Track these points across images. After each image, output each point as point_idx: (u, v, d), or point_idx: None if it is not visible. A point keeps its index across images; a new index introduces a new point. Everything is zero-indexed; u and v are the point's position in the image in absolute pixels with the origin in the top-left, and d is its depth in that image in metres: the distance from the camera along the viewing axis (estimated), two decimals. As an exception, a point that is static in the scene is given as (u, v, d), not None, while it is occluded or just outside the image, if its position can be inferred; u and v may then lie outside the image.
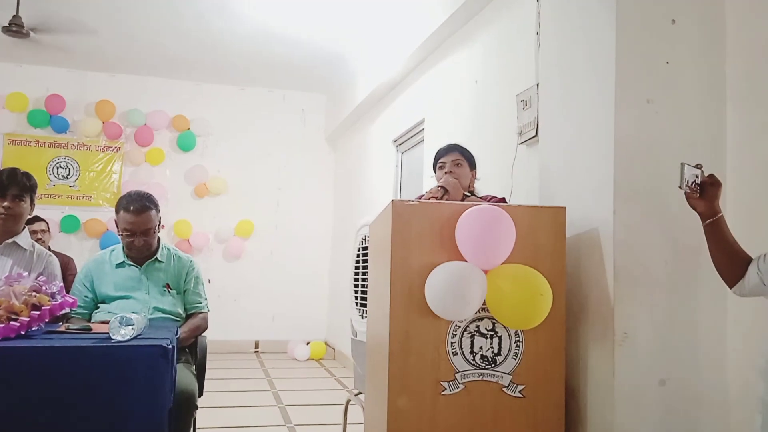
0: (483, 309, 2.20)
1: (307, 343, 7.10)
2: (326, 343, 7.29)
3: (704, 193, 1.87)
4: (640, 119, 2.29)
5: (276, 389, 5.41)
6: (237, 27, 5.53)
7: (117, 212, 2.84)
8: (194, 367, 2.85)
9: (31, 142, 6.89)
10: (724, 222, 1.86)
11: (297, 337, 7.21)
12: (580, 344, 2.34)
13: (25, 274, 2.23)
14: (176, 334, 2.37)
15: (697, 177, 1.87)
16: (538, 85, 3.00)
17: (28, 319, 1.96)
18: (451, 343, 2.21)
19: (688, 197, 1.89)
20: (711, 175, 1.89)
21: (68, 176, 6.98)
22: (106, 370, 1.86)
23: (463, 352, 2.21)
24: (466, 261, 2.15)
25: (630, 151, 2.27)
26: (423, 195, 2.67)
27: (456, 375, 2.20)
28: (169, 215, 6.94)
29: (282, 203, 7.51)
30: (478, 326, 2.22)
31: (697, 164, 1.89)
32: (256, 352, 7.35)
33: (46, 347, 1.86)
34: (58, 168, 6.95)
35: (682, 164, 1.87)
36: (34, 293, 2.04)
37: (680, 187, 1.87)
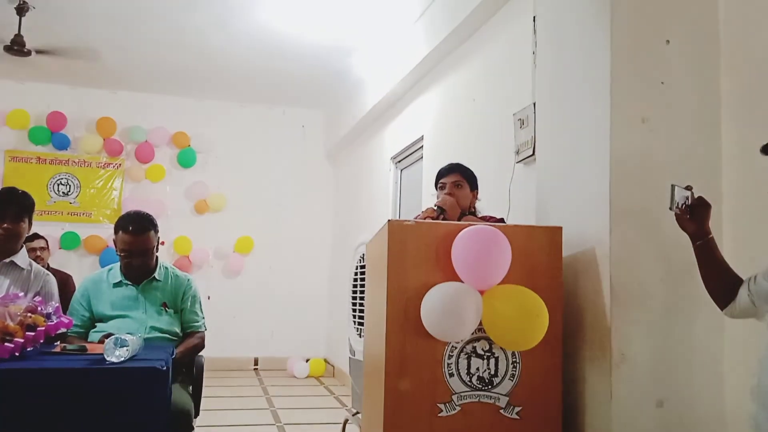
0: (479, 330, 2.19)
1: (307, 361, 7.07)
2: (326, 361, 7.26)
3: (694, 214, 1.87)
4: (635, 138, 2.30)
5: (275, 407, 5.38)
6: (237, 44, 5.57)
7: (116, 232, 2.83)
8: (190, 386, 2.83)
9: (32, 159, 6.91)
10: (714, 243, 1.87)
11: (296, 354, 7.18)
12: (578, 365, 2.33)
13: (21, 294, 2.23)
14: (172, 354, 2.36)
15: (687, 198, 1.87)
16: (534, 104, 3.01)
17: (22, 341, 1.95)
18: (448, 364, 2.20)
19: (678, 219, 1.90)
20: (700, 197, 1.89)
21: (69, 193, 6.99)
22: (101, 392, 1.85)
23: (459, 373, 2.20)
24: (462, 281, 2.15)
25: (626, 170, 2.27)
26: (419, 214, 2.67)
27: (452, 396, 2.19)
28: (169, 232, 6.95)
29: (282, 219, 7.51)
30: (474, 347, 2.22)
31: (687, 186, 1.90)
32: (255, 369, 7.31)
33: (40, 369, 1.86)
34: (58, 185, 6.97)
35: (672, 186, 1.88)
36: (29, 314, 2.04)
37: (670, 209, 1.88)
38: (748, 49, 2.29)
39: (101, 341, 2.43)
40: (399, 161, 5.60)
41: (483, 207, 3.22)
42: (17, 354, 1.94)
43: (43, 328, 2.04)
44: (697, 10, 2.36)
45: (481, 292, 2.15)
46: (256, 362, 7.38)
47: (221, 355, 6.66)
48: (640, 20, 2.34)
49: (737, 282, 1.82)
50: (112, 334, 2.47)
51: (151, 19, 5.12)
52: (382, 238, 2.32)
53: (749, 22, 2.29)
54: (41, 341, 2.05)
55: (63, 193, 6.98)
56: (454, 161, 3.02)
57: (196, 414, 2.77)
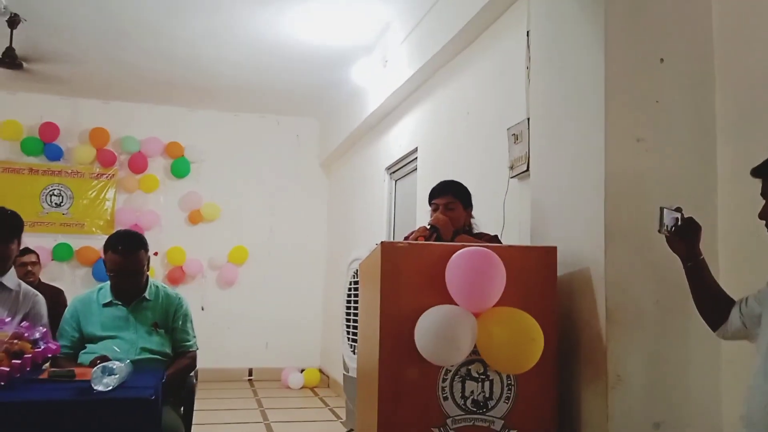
0: (474, 352, 2.16)
1: (301, 371, 7.03)
2: (320, 371, 7.22)
3: (685, 235, 1.86)
4: (630, 158, 2.28)
5: (269, 420, 5.34)
6: (230, 54, 5.55)
7: (105, 252, 2.79)
8: (182, 407, 2.79)
9: (24, 170, 6.87)
10: (705, 265, 1.86)
11: (291, 365, 7.13)
12: (573, 387, 2.30)
13: (8, 319, 2.19)
14: (162, 378, 2.33)
15: (677, 220, 1.86)
16: (528, 119, 2.99)
17: (8, 369, 1.91)
18: (442, 387, 2.17)
19: (669, 241, 1.89)
20: (690, 218, 1.87)
21: (61, 204, 6.94)
22: (89, 424, 1.81)
23: (454, 396, 2.17)
24: (456, 304, 2.12)
25: (621, 190, 2.25)
26: (411, 233, 2.64)
27: (447, 420, 2.16)
28: (163, 242, 6.91)
29: (276, 229, 7.48)
30: (469, 370, 2.19)
31: (677, 207, 1.88)
32: (249, 380, 7.26)
33: (26, 402, 1.81)
34: (51, 196, 6.92)
35: (661, 208, 1.86)
36: (15, 341, 2.00)
37: (659, 231, 1.87)
38: (742, 68, 2.28)
39: (93, 363, 2.39)
40: (393, 172, 5.58)
41: (478, 221, 3.19)
42: (3, 383, 1.90)
43: (30, 355, 2.00)
44: (691, 29, 2.35)
45: (476, 315, 2.13)
46: (250, 373, 7.33)
47: (215, 366, 6.62)
48: (635, 38, 2.32)
49: (729, 303, 1.82)
50: (104, 357, 2.45)
51: (143, 30, 5.09)
52: (375, 259, 2.30)
53: (743, 41, 2.28)
54: (28, 369, 2.01)
55: (55, 204, 6.93)
56: (448, 178, 2.99)
57: (188, 435, 2.74)
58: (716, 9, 2.34)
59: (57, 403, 1.83)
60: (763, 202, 1.68)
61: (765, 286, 1.77)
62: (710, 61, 2.34)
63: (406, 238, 2.65)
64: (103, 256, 2.84)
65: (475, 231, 2.83)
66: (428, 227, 2.55)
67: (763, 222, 1.69)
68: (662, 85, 2.32)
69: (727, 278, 2.18)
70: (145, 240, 2.85)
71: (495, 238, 2.74)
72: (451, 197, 2.72)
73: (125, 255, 2.73)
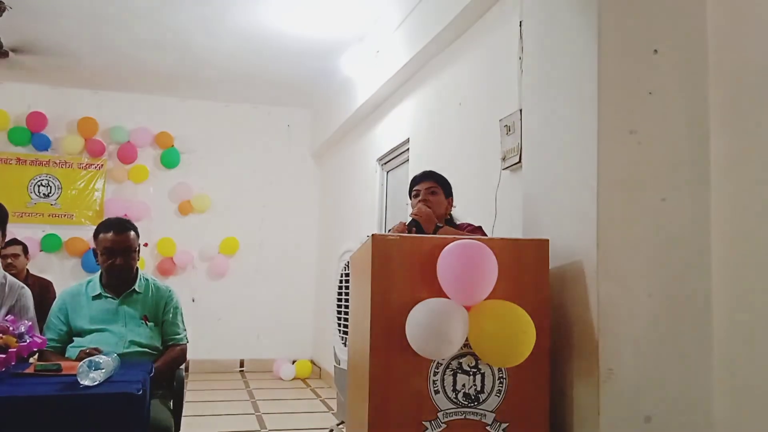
0: (465, 345, 2.15)
1: (293, 362, 7.02)
2: (312, 362, 7.21)
3: None
4: (623, 150, 2.26)
5: (260, 412, 5.32)
6: (221, 43, 5.49)
7: (96, 237, 2.79)
8: (171, 401, 2.77)
9: (11, 160, 6.79)
10: None
11: (282, 356, 7.12)
12: (565, 380, 2.29)
13: (-7, 313, 2.15)
14: (150, 371, 2.30)
15: None
16: (521, 110, 2.96)
17: (-8, 364, 1.88)
18: (433, 381, 2.15)
19: None
20: None
21: (50, 194, 6.88)
22: (75, 419, 1.79)
23: (445, 390, 2.16)
24: (447, 297, 2.10)
25: (613, 182, 2.23)
26: (391, 229, 2.63)
27: (438, 414, 2.15)
28: (153, 233, 6.87)
29: (267, 220, 7.44)
30: (460, 363, 2.17)
31: None
32: (241, 371, 7.25)
33: (9, 397, 1.78)
34: (39, 186, 6.85)
35: None
36: (0, 335, 1.97)
37: None
38: (736, 59, 2.26)
39: (79, 357, 2.36)
40: (385, 163, 5.55)
41: (470, 213, 3.19)
42: (-13, 378, 1.87)
43: (15, 350, 1.96)
44: (685, 19, 2.32)
45: (467, 308, 2.11)
46: (242, 364, 7.32)
47: (207, 357, 6.60)
48: (628, 29, 2.30)
49: None
50: (96, 349, 2.43)
51: (132, 18, 5.02)
52: (365, 252, 2.27)
53: (737, 32, 2.26)
54: (13, 363, 1.98)
55: (44, 194, 6.86)
56: (440, 169, 2.97)
57: (177, 429, 2.71)
58: (710, 0, 2.32)
59: (42, 399, 1.80)
60: None
61: None
62: (704, 52, 2.32)
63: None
64: (93, 244, 2.83)
65: (457, 222, 2.82)
66: (410, 218, 2.53)
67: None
68: (656, 76, 2.29)
69: (720, 271, 2.18)
70: (135, 225, 2.88)
71: (479, 229, 2.73)
72: (434, 182, 2.72)
73: (117, 233, 2.74)
